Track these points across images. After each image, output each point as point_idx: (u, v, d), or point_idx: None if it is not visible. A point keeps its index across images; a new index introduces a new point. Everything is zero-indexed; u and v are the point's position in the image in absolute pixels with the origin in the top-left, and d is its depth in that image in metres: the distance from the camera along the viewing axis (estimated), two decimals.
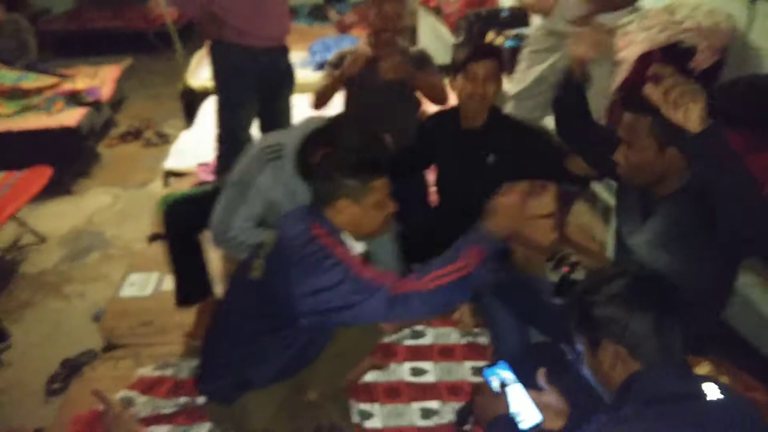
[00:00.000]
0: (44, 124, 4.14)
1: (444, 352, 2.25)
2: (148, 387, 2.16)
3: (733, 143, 2.34)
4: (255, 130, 3.13)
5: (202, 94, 4.47)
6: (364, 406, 2.02)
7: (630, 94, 1.70)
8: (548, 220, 1.65)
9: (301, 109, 3.27)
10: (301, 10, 6.65)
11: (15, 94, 4.41)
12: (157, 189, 3.89)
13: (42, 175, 3.42)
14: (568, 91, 2.01)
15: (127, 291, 2.75)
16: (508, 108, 2.99)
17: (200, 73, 4.72)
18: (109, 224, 3.62)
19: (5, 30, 4.98)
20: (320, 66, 4.96)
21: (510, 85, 3.10)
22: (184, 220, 2.29)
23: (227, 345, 1.78)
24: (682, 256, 1.66)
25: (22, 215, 3.39)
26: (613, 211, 2.61)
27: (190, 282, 2.42)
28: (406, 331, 2.32)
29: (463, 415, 1.76)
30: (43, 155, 3.67)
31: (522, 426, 1.43)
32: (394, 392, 2.08)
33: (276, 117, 3.10)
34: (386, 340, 2.27)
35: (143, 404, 2.08)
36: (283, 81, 3.09)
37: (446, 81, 2.63)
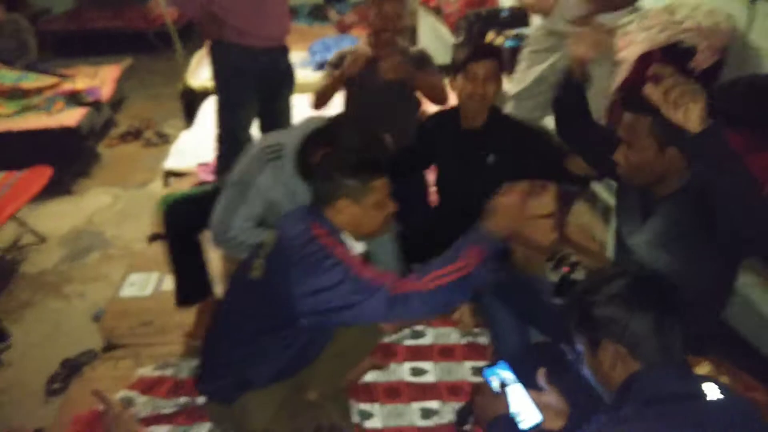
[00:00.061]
0: (44, 124, 4.14)
1: (444, 352, 2.25)
2: (148, 387, 2.16)
3: (733, 143, 2.34)
4: (255, 130, 3.13)
5: (202, 94, 4.47)
6: (364, 406, 2.01)
7: (630, 94, 1.70)
8: (548, 220, 1.66)
9: (301, 109, 3.27)
10: (301, 10, 6.65)
11: (15, 94, 4.41)
12: (157, 189, 3.89)
13: (42, 175, 3.42)
14: (568, 91, 2.01)
15: (127, 291, 2.75)
16: (508, 108, 2.99)
17: (200, 73, 4.72)
18: (109, 224, 3.62)
19: (5, 30, 4.98)
20: (320, 66, 4.96)
21: (510, 85, 3.10)
22: (184, 220, 2.29)
23: (227, 345, 1.78)
24: (682, 256, 1.66)
25: (22, 215, 3.39)
26: (613, 211, 2.61)
27: (190, 282, 2.42)
28: (406, 331, 2.32)
29: (463, 415, 1.76)
30: (43, 155, 3.67)
31: (522, 426, 1.43)
32: (394, 392, 2.08)
33: (276, 117, 3.10)
34: (386, 340, 2.27)
35: (143, 404, 2.08)
36: (283, 81, 3.09)
37: (446, 81, 2.63)
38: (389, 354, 2.24)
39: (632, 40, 2.92)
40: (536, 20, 3.01)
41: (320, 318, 1.61)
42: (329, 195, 1.68)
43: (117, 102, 5.30)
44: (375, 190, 1.68)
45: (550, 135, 2.40)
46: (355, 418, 1.96)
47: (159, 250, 3.06)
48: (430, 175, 2.79)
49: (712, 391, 1.16)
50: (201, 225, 2.20)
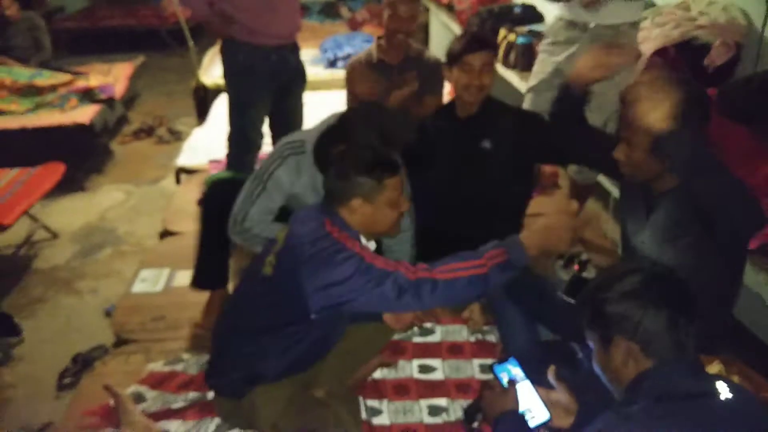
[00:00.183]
0: (58, 121, 4.18)
1: (453, 350, 2.24)
2: (158, 382, 2.16)
3: (744, 143, 2.33)
4: (266, 128, 3.13)
5: (215, 92, 4.50)
6: (372, 403, 2.01)
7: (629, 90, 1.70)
8: (567, 224, 1.66)
9: (313, 107, 3.29)
10: (312, 7, 6.67)
11: (29, 91, 4.45)
12: (170, 186, 3.91)
13: (55, 171, 3.45)
14: (565, 103, 2.01)
15: (139, 287, 2.76)
16: (527, 101, 2.95)
17: (213, 70, 4.74)
18: (122, 221, 3.64)
19: (20, 28, 5.03)
20: (331, 63, 4.97)
21: (529, 78, 3.06)
22: (221, 201, 2.28)
23: (237, 340, 1.78)
24: (686, 251, 1.65)
25: (35, 211, 3.42)
26: None
27: (212, 266, 2.43)
28: (415, 329, 2.31)
29: (471, 413, 1.75)
30: (57, 152, 3.70)
31: (530, 423, 1.42)
32: (403, 389, 2.07)
33: (287, 115, 3.10)
34: (395, 337, 2.26)
35: (153, 399, 2.08)
36: (295, 79, 3.09)
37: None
38: (398, 351, 2.23)
39: (646, 37, 2.89)
40: (554, 12, 2.96)
41: (332, 311, 1.61)
42: (343, 194, 1.67)
43: (130, 99, 5.34)
44: (389, 188, 1.67)
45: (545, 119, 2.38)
46: (363, 415, 1.95)
47: (171, 246, 3.08)
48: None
49: (723, 390, 1.15)
50: None
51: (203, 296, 2.48)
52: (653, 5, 3.13)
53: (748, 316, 2.24)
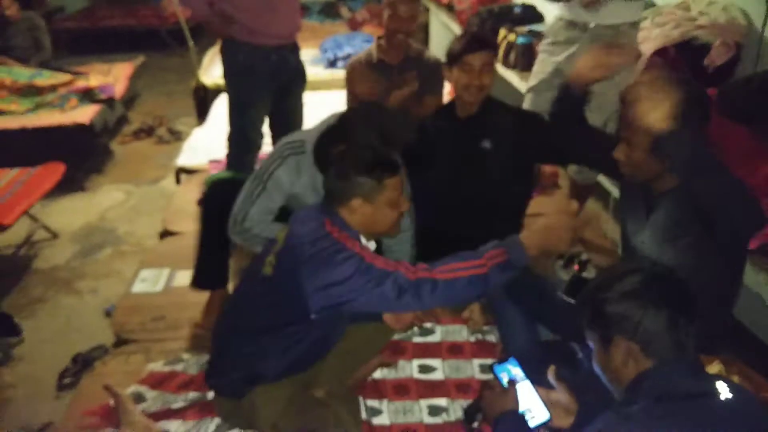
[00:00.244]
0: (58, 121, 4.18)
1: (453, 350, 2.24)
2: (158, 382, 2.16)
3: (745, 143, 2.33)
4: (266, 128, 3.13)
5: (215, 92, 4.50)
6: (372, 403, 2.01)
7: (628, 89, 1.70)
8: (567, 224, 1.66)
9: (313, 107, 3.28)
10: (312, 7, 6.67)
11: (29, 91, 4.45)
12: (170, 186, 3.91)
13: (55, 171, 3.45)
14: (565, 103, 2.01)
15: (139, 287, 2.76)
16: (527, 101, 2.96)
17: (213, 70, 4.74)
18: (122, 221, 3.64)
19: (20, 28, 5.03)
20: (331, 63, 4.97)
21: (529, 78, 3.06)
22: (220, 201, 2.28)
23: (237, 340, 1.78)
24: (686, 251, 1.65)
25: (35, 211, 3.42)
26: None
27: (211, 266, 2.43)
28: (415, 329, 2.31)
29: (471, 413, 1.75)
30: (57, 152, 3.70)
31: (530, 423, 1.42)
32: (403, 389, 2.07)
33: (287, 115, 3.10)
34: (395, 337, 2.26)
35: (153, 399, 2.08)
36: (295, 79, 3.08)
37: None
38: (398, 351, 2.23)
39: (646, 37, 2.89)
40: (554, 12, 2.96)
41: (332, 311, 1.61)
42: (343, 194, 1.67)
43: (130, 99, 5.34)
44: (389, 188, 1.67)
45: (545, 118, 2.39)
46: (363, 415, 1.95)
47: (171, 246, 3.08)
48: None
49: (723, 390, 1.15)
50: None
51: (203, 296, 2.48)
52: (653, 5, 3.13)
53: (748, 316, 2.24)
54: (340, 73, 4.08)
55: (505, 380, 1.51)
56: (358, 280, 1.56)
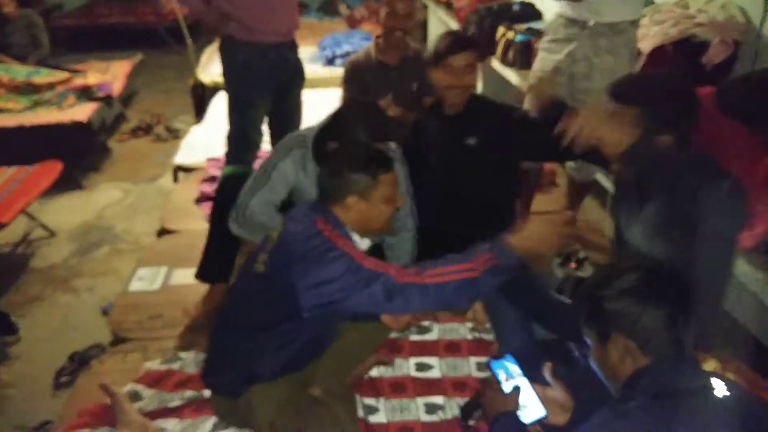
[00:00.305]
0: (55, 119, 4.17)
1: (450, 348, 2.23)
2: (155, 380, 2.16)
3: (743, 142, 2.32)
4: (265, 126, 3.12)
5: (213, 90, 4.49)
6: (369, 401, 2.01)
7: (617, 86, 1.70)
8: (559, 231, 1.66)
9: (312, 104, 3.28)
10: (310, 4, 6.66)
11: (27, 89, 4.44)
12: (167, 184, 3.91)
13: (52, 169, 3.44)
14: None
15: (136, 285, 2.76)
16: (527, 100, 2.95)
17: (211, 68, 4.73)
18: (119, 219, 3.64)
19: (18, 25, 5.02)
20: (330, 61, 4.96)
21: (529, 77, 3.05)
22: (232, 195, 2.30)
23: (233, 338, 1.78)
24: (676, 245, 1.64)
25: (32, 210, 3.41)
26: None
27: (218, 260, 2.45)
28: (412, 328, 2.31)
29: (467, 411, 1.75)
30: (54, 150, 3.69)
31: (526, 420, 1.42)
32: (399, 387, 2.07)
33: (287, 114, 3.09)
34: (392, 335, 2.26)
35: (150, 398, 2.08)
36: (293, 77, 3.07)
37: None
38: (395, 349, 2.23)
39: (645, 35, 2.89)
40: (552, 9, 2.95)
41: (324, 310, 1.60)
42: (337, 191, 1.67)
43: (128, 97, 5.33)
44: (383, 184, 1.67)
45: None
46: (360, 413, 1.95)
47: (168, 244, 3.08)
48: None
49: (719, 387, 1.15)
50: None
51: (200, 294, 2.48)
52: (653, 3, 3.13)
53: (745, 315, 2.23)
54: (338, 71, 4.07)
55: (502, 376, 1.51)
56: (347, 279, 1.56)
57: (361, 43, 4.79)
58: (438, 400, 2.02)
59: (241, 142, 3.00)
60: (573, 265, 1.97)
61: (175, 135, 4.69)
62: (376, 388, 2.06)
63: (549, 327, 1.97)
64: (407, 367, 2.16)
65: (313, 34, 5.39)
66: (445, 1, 5.05)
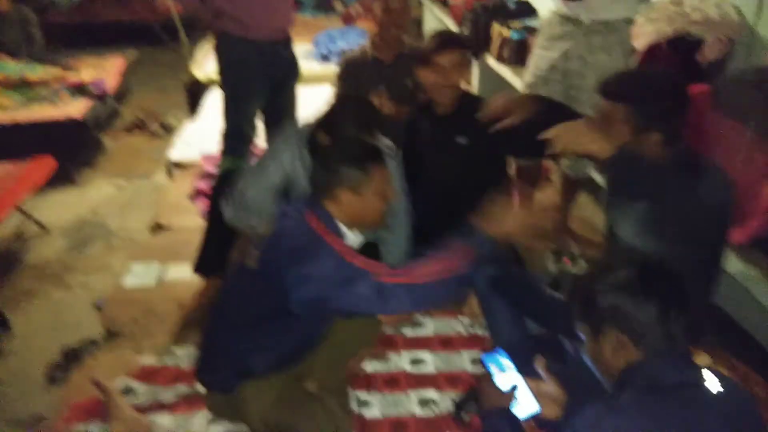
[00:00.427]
0: (49, 116, 4.14)
1: (444, 343, 2.24)
2: (148, 376, 2.16)
3: (737, 140, 2.33)
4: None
5: (207, 86, 4.47)
6: (363, 395, 2.01)
7: (607, 83, 1.70)
8: (549, 216, 1.66)
9: (306, 101, 3.27)
10: (305, 1, 6.65)
11: (21, 85, 4.42)
12: (161, 180, 3.89)
13: (46, 165, 3.43)
14: None
15: (130, 281, 2.76)
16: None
17: (205, 64, 4.72)
18: (113, 215, 3.62)
19: (11, 22, 4.98)
20: (325, 58, 4.96)
21: (525, 75, 3.05)
22: (229, 187, 2.32)
23: (225, 333, 1.78)
24: (666, 240, 1.64)
25: (25, 206, 3.39)
26: None
27: (215, 253, 2.45)
28: (406, 323, 2.31)
29: (461, 405, 1.76)
30: (48, 146, 3.66)
31: (519, 416, 1.42)
32: (393, 382, 2.08)
33: (281, 109, 3.08)
34: (387, 331, 2.26)
35: (143, 393, 2.08)
36: (288, 73, 3.07)
37: None
38: (389, 344, 2.23)
39: (639, 32, 2.89)
40: (548, 7, 2.95)
41: (314, 306, 1.60)
42: (329, 186, 1.67)
43: (122, 94, 5.30)
44: (375, 179, 1.67)
45: None
46: (354, 407, 1.95)
47: (162, 240, 3.07)
48: None
49: (711, 381, 1.15)
50: None
51: (194, 290, 2.48)
52: (647, 0, 3.13)
53: (738, 310, 2.24)
54: (333, 68, 4.07)
55: (494, 371, 1.51)
56: (335, 277, 1.56)
57: (356, 39, 4.78)
58: (432, 394, 2.03)
59: (235, 137, 3.00)
60: (567, 260, 1.98)
61: (170, 131, 4.67)
62: (370, 382, 2.07)
63: (541, 322, 1.97)
64: (401, 361, 2.17)
65: (308, 31, 5.38)
66: None
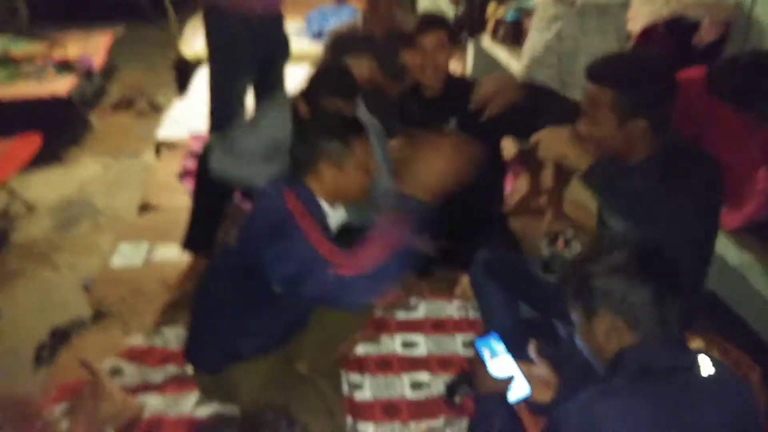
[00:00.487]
0: (34, 92, 4.06)
1: (436, 326, 2.24)
2: (137, 356, 2.14)
3: (732, 124, 2.32)
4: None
5: (196, 64, 4.41)
6: (354, 378, 2.00)
7: (595, 65, 1.66)
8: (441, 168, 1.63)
9: (297, 79, 3.22)
10: None
11: (5, 61, 4.33)
12: (149, 159, 3.84)
13: (31, 143, 3.36)
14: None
15: (117, 260, 2.73)
16: (520, 80, 2.91)
17: (194, 42, 4.64)
18: (100, 194, 3.57)
19: None
20: (317, 35, 4.89)
21: (521, 57, 3.02)
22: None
23: (212, 314, 1.77)
24: (656, 224, 1.63)
25: (11, 184, 3.34)
26: None
27: (202, 229, 2.44)
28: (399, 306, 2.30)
29: (453, 388, 1.75)
30: (34, 123, 3.60)
31: (511, 399, 1.42)
32: (385, 364, 2.07)
33: (270, 86, 3.04)
34: (379, 314, 2.25)
35: (132, 373, 2.06)
36: (279, 51, 3.02)
37: None
38: (381, 327, 2.22)
39: (635, 15, 2.86)
40: None
41: (289, 288, 1.58)
42: (309, 160, 1.62)
43: (109, 71, 5.21)
44: (357, 151, 1.62)
45: None
46: (345, 389, 1.95)
47: (150, 220, 3.03)
48: None
49: (705, 366, 1.15)
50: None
51: (182, 270, 2.45)
52: None
53: (731, 295, 2.25)
54: None
55: (486, 355, 1.50)
56: (301, 260, 1.53)
57: (349, 17, 4.71)
58: (423, 377, 2.02)
59: (223, 114, 2.95)
60: (560, 244, 1.97)
61: (157, 110, 4.61)
62: (362, 365, 2.06)
63: (535, 306, 1.97)
64: (393, 344, 2.16)
65: (301, 8, 5.30)
66: None
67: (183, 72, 4.46)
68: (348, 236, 1.71)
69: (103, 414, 1.82)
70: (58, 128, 4.03)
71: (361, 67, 2.51)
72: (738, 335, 1.91)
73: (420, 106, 2.34)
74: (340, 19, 4.81)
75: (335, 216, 1.70)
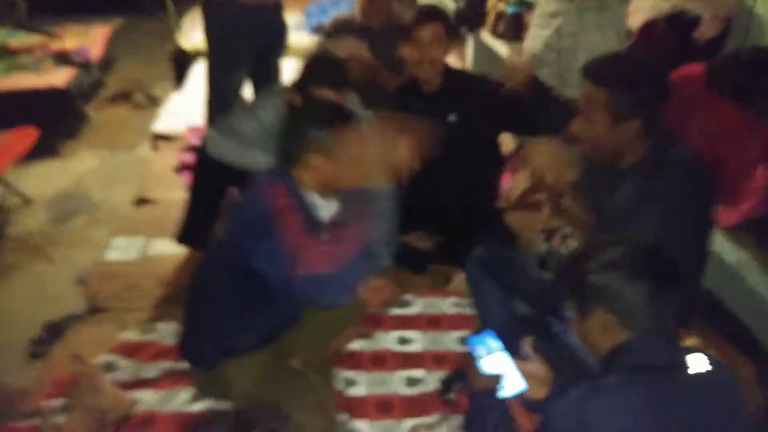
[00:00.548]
0: (32, 84, 4.04)
1: (431, 322, 2.23)
2: (131, 351, 2.13)
3: (732, 120, 2.30)
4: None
5: (194, 56, 4.39)
6: (349, 374, 2.00)
7: (592, 64, 1.64)
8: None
9: (290, 73, 3.20)
10: None
11: (2, 53, 4.31)
12: (146, 152, 3.83)
13: (28, 135, 3.35)
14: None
15: (113, 255, 2.72)
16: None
17: (192, 34, 4.62)
18: (97, 187, 3.55)
19: None
20: (316, 29, 4.86)
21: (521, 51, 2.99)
22: (213, 159, 2.30)
23: (206, 309, 1.75)
24: (650, 225, 1.62)
25: (7, 177, 3.32)
26: None
27: (198, 224, 2.43)
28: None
29: (447, 384, 1.75)
30: (31, 116, 3.58)
31: (505, 394, 1.42)
32: (380, 360, 2.06)
33: (265, 77, 3.02)
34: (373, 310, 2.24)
35: (126, 368, 2.05)
36: (276, 40, 3.01)
37: None
38: (376, 323, 2.21)
39: (636, 9, 2.85)
40: None
41: (276, 282, 1.57)
42: (298, 151, 1.59)
43: (106, 63, 5.18)
44: (347, 142, 1.58)
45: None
46: (339, 386, 1.94)
47: (146, 214, 3.02)
48: None
49: (700, 363, 1.15)
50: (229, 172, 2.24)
51: (178, 264, 2.44)
52: None
53: (728, 294, 2.24)
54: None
55: (481, 352, 1.50)
56: (277, 257, 1.50)
57: (347, 11, 4.69)
58: (418, 373, 2.01)
59: (222, 104, 2.93)
60: (557, 240, 1.95)
61: (155, 102, 4.58)
62: (356, 361, 2.05)
63: (530, 302, 1.96)
64: (388, 340, 2.15)
65: (300, 2, 5.28)
66: None
67: (181, 65, 4.44)
68: None
69: (99, 407, 1.83)
70: (55, 120, 4.00)
71: (346, 48, 2.50)
72: (733, 332, 1.91)
73: (419, 102, 2.32)
74: (339, 13, 4.79)
75: (329, 207, 1.68)
